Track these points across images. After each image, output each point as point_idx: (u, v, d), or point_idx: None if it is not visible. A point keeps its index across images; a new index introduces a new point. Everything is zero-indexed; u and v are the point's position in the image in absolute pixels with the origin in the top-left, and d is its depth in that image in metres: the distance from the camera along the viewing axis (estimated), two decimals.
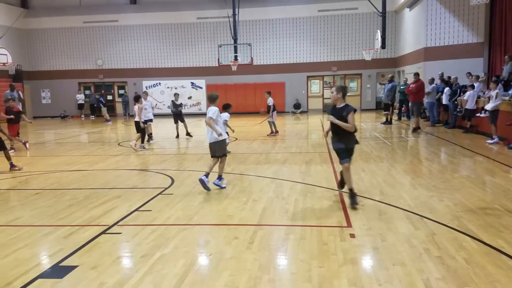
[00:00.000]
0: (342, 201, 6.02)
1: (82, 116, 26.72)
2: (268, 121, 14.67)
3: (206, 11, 25.89)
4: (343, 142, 5.75)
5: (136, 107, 11.89)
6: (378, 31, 19.43)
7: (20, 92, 15.66)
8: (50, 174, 8.76)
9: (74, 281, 3.72)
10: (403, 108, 19.25)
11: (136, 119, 11.84)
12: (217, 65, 23.89)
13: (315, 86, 26.99)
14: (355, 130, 5.70)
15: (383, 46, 19.05)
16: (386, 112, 17.40)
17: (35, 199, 6.65)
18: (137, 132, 11.89)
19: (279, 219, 5.38)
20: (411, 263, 3.90)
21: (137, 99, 12.03)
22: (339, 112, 5.67)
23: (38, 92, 27.97)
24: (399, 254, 4.10)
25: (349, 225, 4.97)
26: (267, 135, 14.44)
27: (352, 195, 5.78)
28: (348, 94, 28.47)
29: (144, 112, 11.99)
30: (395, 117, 18.32)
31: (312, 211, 5.64)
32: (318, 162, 9.22)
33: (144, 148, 11.80)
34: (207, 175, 6.86)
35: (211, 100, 7.02)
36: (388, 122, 17.05)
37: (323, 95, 26.87)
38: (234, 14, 21.32)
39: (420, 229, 4.78)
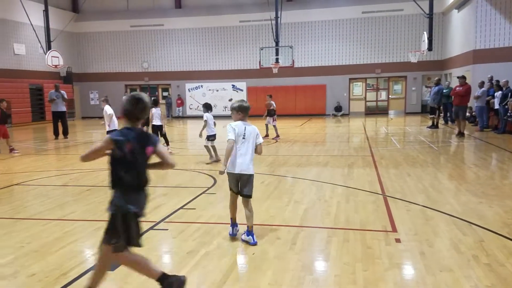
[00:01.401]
0: (387, 206, 5.93)
1: None
2: (273, 125, 14.23)
3: (248, 14, 26.15)
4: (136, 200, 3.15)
5: (159, 110, 11.58)
6: (425, 32, 18.95)
7: (63, 92, 16.31)
8: (100, 172, 9.13)
9: (125, 273, 3.88)
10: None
11: (158, 122, 11.42)
12: (258, 67, 24.01)
13: (358, 89, 26.66)
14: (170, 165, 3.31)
15: (430, 48, 18.57)
16: (432, 116, 16.96)
17: (87, 195, 6.97)
18: (161, 136, 11.55)
19: (321, 221, 5.39)
20: (458, 269, 3.81)
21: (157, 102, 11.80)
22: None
23: (87, 93, 29.20)
24: (446, 260, 4.02)
25: (394, 229, 4.90)
26: (272, 139, 14.03)
27: None
28: (392, 97, 28.08)
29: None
30: (441, 121, 17.80)
31: (355, 214, 5.60)
32: (361, 166, 9.12)
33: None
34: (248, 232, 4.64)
35: (245, 110, 4.68)
36: (435, 126, 16.61)
37: (365, 97, 26.52)
38: (276, 17, 21.39)
39: (468, 236, 4.66)
